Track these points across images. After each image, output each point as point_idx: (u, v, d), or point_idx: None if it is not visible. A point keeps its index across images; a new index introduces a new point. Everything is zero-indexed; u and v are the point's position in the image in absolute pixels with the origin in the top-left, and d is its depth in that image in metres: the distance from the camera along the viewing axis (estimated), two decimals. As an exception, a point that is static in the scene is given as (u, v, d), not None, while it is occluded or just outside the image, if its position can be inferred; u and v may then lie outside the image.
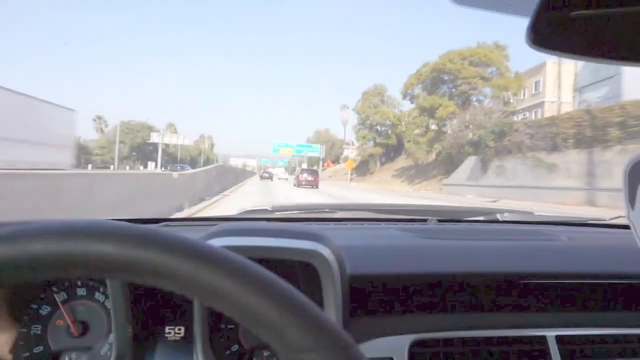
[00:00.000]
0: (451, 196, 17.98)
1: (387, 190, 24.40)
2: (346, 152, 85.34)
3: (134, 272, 0.29)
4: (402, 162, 43.58)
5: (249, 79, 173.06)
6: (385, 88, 45.85)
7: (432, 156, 33.54)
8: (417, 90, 33.83)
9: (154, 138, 58.50)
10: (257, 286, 0.30)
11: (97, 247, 0.29)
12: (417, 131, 33.93)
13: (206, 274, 0.29)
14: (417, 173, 34.97)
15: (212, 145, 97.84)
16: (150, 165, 50.64)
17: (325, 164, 67.85)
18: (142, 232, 0.30)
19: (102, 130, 63.76)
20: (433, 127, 32.52)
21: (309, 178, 25.33)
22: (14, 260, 0.28)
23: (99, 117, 64.27)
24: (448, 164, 26.66)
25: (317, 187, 23.95)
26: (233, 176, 21.88)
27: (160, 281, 0.29)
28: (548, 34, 0.43)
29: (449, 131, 30.04)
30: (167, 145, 67.78)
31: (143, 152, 63.33)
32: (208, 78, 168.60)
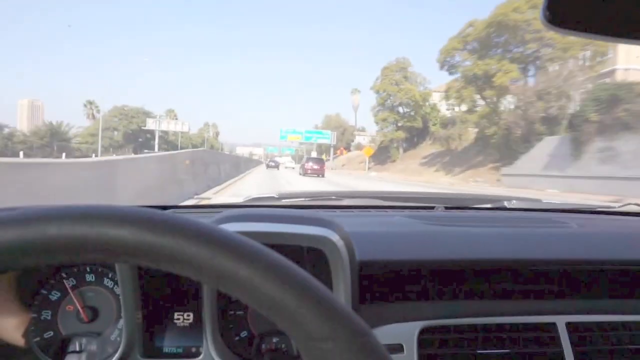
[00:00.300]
0: (520, 190, 12.71)
1: (419, 182, 21.26)
2: (358, 139, 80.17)
3: (150, 257, 0.29)
4: (427, 148, 39.24)
5: (255, 64, 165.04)
6: (409, 62, 37.46)
7: (467, 140, 29.44)
8: (461, 57, 29.09)
9: (150, 124, 55.13)
10: (274, 273, 0.30)
11: (114, 231, 0.29)
12: (461, 108, 29.83)
13: (223, 260, 0.29)
14: (454, 160, 30.04)
15: (217, 133, 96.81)
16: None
17: (338, 151, 64.55)
18: (159, 216, 0.30)
19: (93, 117, 60.79)
20: (480, 102, 27.93)
21: (315, 167, 26.39)
22: (29, 243, 0.28)
23: (90, 102, 61.23)
24: (504, 148, 22.52)
25: (323, 176, 24.94)
26: (230, 166, 18.86)
27: (176, 267, 0.30)
28: (564, 13, 0.42)
29: (505, 107, 25.41)
30: (165, 133, 64.53)
31: (139, 139, 61.92)
32: (213, 64, 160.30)
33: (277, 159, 58.94)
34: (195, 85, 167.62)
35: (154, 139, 50.25)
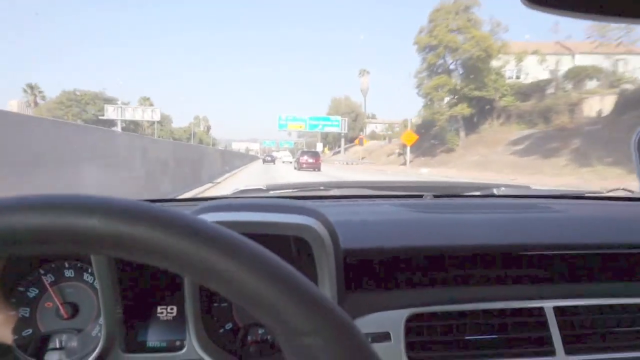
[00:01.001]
0: None
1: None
2: (370, 128, 68.41)
3: (122, 248, 0.29)
4: (500, 130, 26.11)
5: (248, 51, 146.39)
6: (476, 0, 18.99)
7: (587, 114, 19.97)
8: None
9: (111, 113, 43.96)
10: (254, 265, 0.30)
11: (83, 221, 0.29)
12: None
13: (200, 251, 0.29)
14: (586, 146, 17.93)
15: (208, 127, 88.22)
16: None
17: (357, 140, 53.12)
18: (131, 205, 0.30)
19: (35, 104, 50.99)
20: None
21: (310, 160, 26.86)
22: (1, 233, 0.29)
23: (32, 87, 51.93)
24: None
25: (319, 170, 25.81)
26: (217, 163, 17.19)
27: (150, 258, 0.30)
28: None
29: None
30: (135, 125, 53.96)
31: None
32: (201, 51, 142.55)
33: (274, 153, 58.54)
34: (185, 77, 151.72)
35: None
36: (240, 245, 0.31)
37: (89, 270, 0.78)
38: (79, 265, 0.78)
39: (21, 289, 0.76)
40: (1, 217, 0.29)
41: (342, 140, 53.25)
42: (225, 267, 0.29)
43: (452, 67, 28.58)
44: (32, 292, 0.76)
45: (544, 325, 0.79)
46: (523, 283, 0.85)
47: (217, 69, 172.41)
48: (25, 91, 50.74)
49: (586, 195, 1.43)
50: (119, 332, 0.71)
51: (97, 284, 0.72)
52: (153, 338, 0.74)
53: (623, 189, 1.35)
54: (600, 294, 0.83)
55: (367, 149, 49.18)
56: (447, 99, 28.04)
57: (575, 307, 0.81)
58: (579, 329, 0.80)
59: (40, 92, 50.67)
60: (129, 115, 46.14)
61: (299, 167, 26.89)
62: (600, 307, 0.82)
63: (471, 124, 28.45)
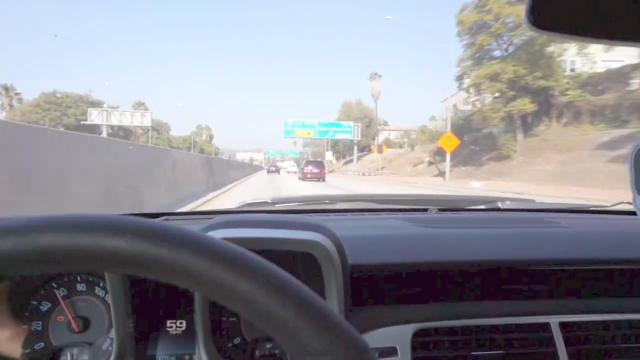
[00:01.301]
0: None
1: None
2: (382, 136, 61.49)
3: (147, 268, 0.32)
4: (570, 131, 19.59)
5: (250, 54, 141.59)
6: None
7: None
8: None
9: (95, 117, 37.93)
10: (272, 286, 0.32)
11: (111, 241, 0.31)
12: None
13: (221, 272, 0.31)
14: None
15: (211, 136, 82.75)
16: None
17: (375, 147, 46.66)
18: (157, 227, 0.32)
19: (10, 106, 44.80)
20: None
21: (315, 170, 27.43)
22: (25, 252, 0.30)
23: (7, 88, 45.65)
24: None
25: (324, 180, 26.52)
26: (213, 173, 14.37)
27: (172, 278, 0.32)
28: (548, 15, 0.44)
29: None
30: (125, 131, 48.15)
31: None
32: (204, 57, 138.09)
33: (278, 163, 58.36)
34: (188, 85, 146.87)
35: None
36: (259, 266, 0.32)
37: (101, 284, 0.83)
38: (90, 279, 0.84)
39: (34, 302, 0.81)
40: (30, 236, 0.30)
41: (355, 149, 49.45)
42: (244, 288, 0.31)
43: (509, 50, 22.62)
44: (45, 306, 0.81)
45: (550, 341, 0.82)
46: (529, 298, 0.89)
47: (221, 75, 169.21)
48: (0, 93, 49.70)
49: (591, 209, 1.45)
50: (130, 346, 0.75)
51: (108, 298, 0.77)
52: (162, 352, 0.78)
53: (627, 203, 1.38)
54: (607, 310, 0.87)
55: (386, 157, 46.60)
56: (496, 95, 21.97)
57: (581, 323, 0.85)
58: (585, 345, 0.83)
59: (17, 94, 47.41)
60: (115, 120, 40.81)
61: (303, 177, 27.68)
62: (606, 323, 0.85)
63: (525, 125, 22.23)
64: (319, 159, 39.45)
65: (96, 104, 47.39)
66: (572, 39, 0.46)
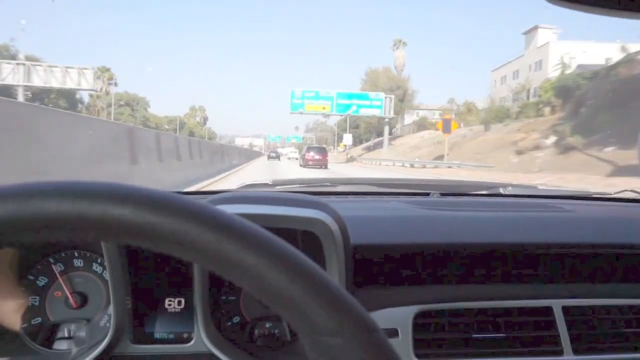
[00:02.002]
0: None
1: None
2: (410, 117, 46.88)
3: (151, 238, 0.30)
4: None
5: (251, 20, 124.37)
6: None
7: None
8: None
9: (6, 75, 25.86)
10: (282, 263, 0.31)
11: (116, 210, 0.30)
12: None
13: (229, 246, 0.30)
14: None
15: (205, 118, 72.68)
16: None
17: (438, 124, 28.21)
18: (162, 197, 0.31)
19: None
20: None
21: (317, 157, 26.40)
22: (28, 218, 0.29)
23: None
24: None
25: (326, 167, 25.16)
26: (202, 158, 12.86)
27: (177, 250, 0.31)
28: None
29: None
30: (68, 100, 36.74)
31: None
32: (203, 30, 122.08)
33: (279, 149, 51.76)
34: (184, 64, 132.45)
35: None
36: (269, 241, 0.32)
37: (98, 261, 0.84)
38: (88, 255, 0.84)
39: (31, 277, 0.81)
40: (34, 201, 0.29)
41: (386, 129, 37.53)
42: (253, 263, 0.30)
43: None
44: (42, 281, 0.82)
45: (552, 324, 0.83)
46: (531, 282, 0.90)
47: (221, 49, 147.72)
48: None
49: (594, 196, 1.45)
50: (128, 322, 0.76)
51: (106, 275, 0.77)
52: (161, 329, 0.78)
53: (631, 190, 1.35)
54: (608, 294, 0.88)
55: (438, 141, 30.76)
56: None
57: (583, 307, 0.86)
58: (587, 329, 0.85)
59: None
60: (38, 81, 27.39)
61: (304, 163, 26.59)
62: (607, 308, 0.87)
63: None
64: (323, 145, 36.34)
65: (11, 57, 34.06)
66: (592, 10, 0.43)
